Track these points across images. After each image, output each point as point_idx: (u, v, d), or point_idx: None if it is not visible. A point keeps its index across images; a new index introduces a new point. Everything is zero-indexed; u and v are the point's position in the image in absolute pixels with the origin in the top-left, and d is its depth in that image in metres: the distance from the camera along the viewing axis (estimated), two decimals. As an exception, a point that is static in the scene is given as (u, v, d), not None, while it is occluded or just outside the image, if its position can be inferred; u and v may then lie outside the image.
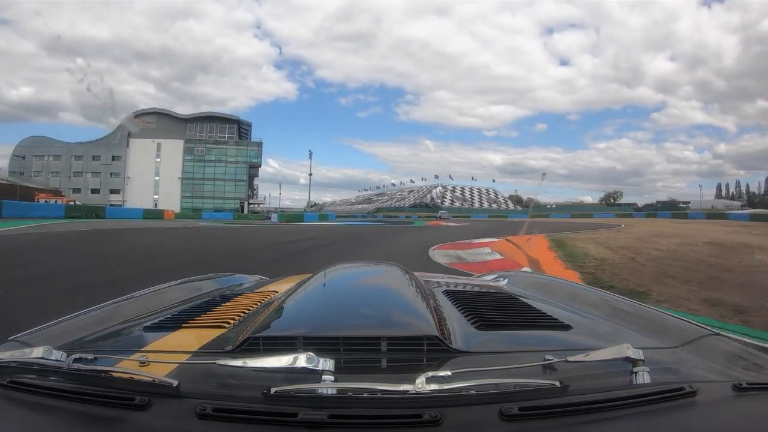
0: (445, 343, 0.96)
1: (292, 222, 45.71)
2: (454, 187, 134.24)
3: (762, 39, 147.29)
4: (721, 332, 1.16)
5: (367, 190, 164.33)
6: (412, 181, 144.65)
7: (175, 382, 0.76)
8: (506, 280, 1.98)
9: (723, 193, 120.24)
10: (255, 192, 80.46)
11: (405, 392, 0.72)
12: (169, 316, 1.32)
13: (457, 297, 1.41)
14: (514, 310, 1.27)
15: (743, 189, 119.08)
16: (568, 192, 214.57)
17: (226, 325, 1.17)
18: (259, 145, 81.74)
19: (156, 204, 66.63)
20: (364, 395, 0.73)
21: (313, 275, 1.62)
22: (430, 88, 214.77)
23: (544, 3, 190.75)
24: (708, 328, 1.18)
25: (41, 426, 0.75)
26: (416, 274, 1.68)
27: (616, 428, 0.70)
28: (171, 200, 68.56)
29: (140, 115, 74.92)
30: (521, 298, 1.45)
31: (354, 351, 0.95)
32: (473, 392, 0.73)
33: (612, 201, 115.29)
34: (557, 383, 0.74)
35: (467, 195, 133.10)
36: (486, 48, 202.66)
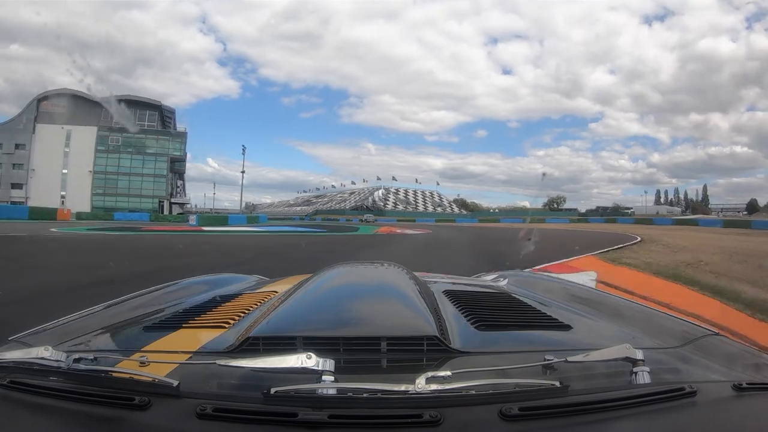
0: (445, 344, 0.96)
1: (213, 226, 37.45)
2: (397, 190, 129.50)
3: (698, 58, 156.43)
4: (721, 332, 1.16)
5: (306, 192, 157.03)
6: (353, 183, 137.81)
7: (175, 382, 0.76)
8: (506, 280, 1.96)
9: (662, 199, 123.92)
10: (179, 190, 67.79)
11: (405, 392, 0.72)
12: (169, 316, 1.31)
13: (457, 297, 1.40)
14: (514, 310, 1.27)
15: (681, 196, 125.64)
16: (507, 197, 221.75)
17: (226, 325, 1.16)
18: (183, 135, 69.30)
19: (63, 202, 55.10)
20: (364, 395, 0.73)
21: (313, 275, 1.62)
22: (375, 92, 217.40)
23: (491, 13, 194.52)
24: (708, 328, 1.18)
25: (41, 426, 0.75)
26: (416, 273, 1.68)
27: (617, 428, 0.70)
28: (81, 198, 58.41)
29: (48, 97, 61.24)
30: (521, 298, 1.45)
31: (354, 351, 0.95)
32: (473, 392, 0.73)
33: (556, 206, 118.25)
34: (557, 383, 0.74)
35: (411, 198, 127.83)
36: (432, 54, 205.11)
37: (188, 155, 70.79)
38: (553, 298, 1.56)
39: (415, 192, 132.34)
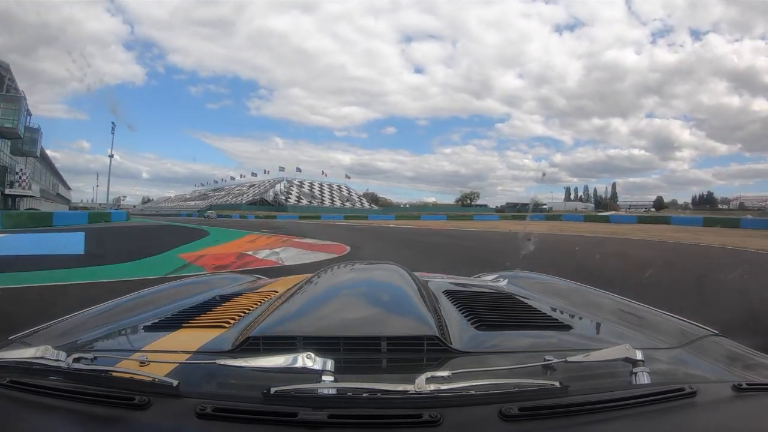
0: (445, 344, 0.97)
1: (20, 229, 22.37)
2: (301, 182, 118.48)
3: (603, 67, 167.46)
4: (720, 333, 1.17)
5: (203, 185, 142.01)
6: (254, 175, 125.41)
7: (175, 382, 0.76)
8: (506, 281, 1.95)
9: (572, 196, 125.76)
10: (20, 176, 51.83)
11: (405, 392, 0.72)
12: (169, 316, 1.31)
13: (458, 297, 1.40)
14: (514, 310, 1.27)
15: (591, 192, 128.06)
16: (414, 193, 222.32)
17: (226, 325, 1.17)
18: (18, 100, 51.30)
19: None
20: (364, 395, 0.73)
21: (313, 275, 1.62)
22: (285, 85, 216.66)
23: (408, 12, 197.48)
24: (708, 329, 1.18)
25: (41, 425, 0.75)
26: (416, 274, 1.67)
27: (616, 428, 0.70)
28: None
29: None
30: (521, 299, 1.45)
31: (354, 351, 0.96)
32: (473, 392, 0.73)
33: (469, 202, 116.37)
34: (557, 383, 0.74)
35: (317, 191, 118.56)
36: (345, 49, 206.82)
37: (40, 131, 54.50)
38: (552, 298, 1.56)
39: (321, 185, 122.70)
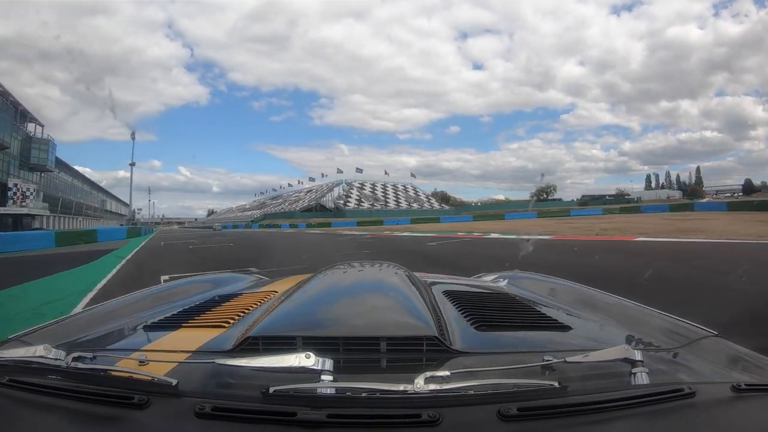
0: (445, 344, 0.96)
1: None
2: (362, 184, 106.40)
3: (666, 45, 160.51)
4: (720, 334, 1.16)
5: (263, 194, 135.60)
6: (311, 180, 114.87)
7: (174, 381, 0.76)
8: (506, 281, 1.94)
9: (653, 184, 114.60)
10: (14, 193, 44.53)
11: (404, 392, 0.72)
12: (169, 315, 1.31)
13: (457, 297, 1.39)
14: (513, 310, 1.26)
15: (673, 179, 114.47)
16: (482, 191, 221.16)
17: (226, 325, 1.16)
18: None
19: None
20: (363, 395, 0.73)
21: (313, 275, 1.62)
22: (345, 92, 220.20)
23: (460, 8, 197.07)
24: (707, 329, 1.18)
25: (41, 424, 0.75)
26: (416, 274, 1.67)
27: (615, 429, 0.70)
28: None
29: None
30: (521, 299, 1.44)
31: (353, 351, 0.95)
32: (472, 392, 0.73)
33: (545, 196, 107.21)
34: (556, 384, 0.74)
35: (379, 193, 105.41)
36: (401, 51, 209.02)
37: (52, 143, 51.55)
38: (552, 298, 1.56)
39: (384, 186, 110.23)
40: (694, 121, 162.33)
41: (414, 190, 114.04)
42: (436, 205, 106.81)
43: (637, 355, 0.81)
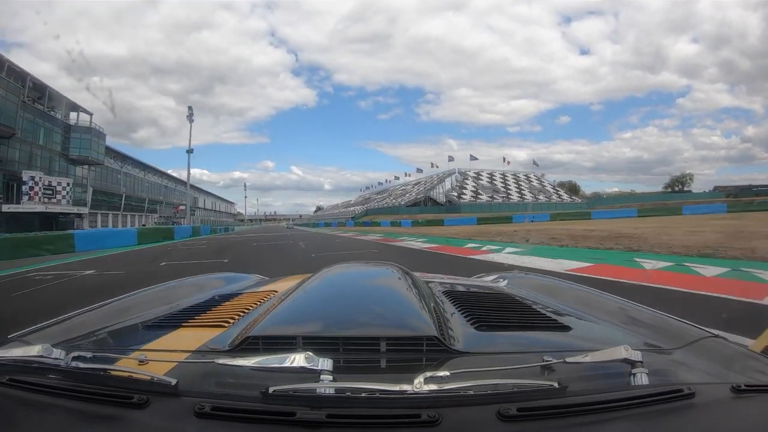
0: (445, 344, 0.97)
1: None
2: (478, 173, 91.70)
3: None
4: (719, 335, 1.16)
5: (369, 188, 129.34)
6: (419, 171, 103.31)
7: (174, 381, 0.76)
8: (506, 281, 1.94)
9: None
10: (30, 188, 37.11)
11: (403, 392, 0.72)
12: (169, 315, 1.32)
13: (457, 297, 1.40)
14: (513, 311, 1.27)
15: None
16: (595, 185, 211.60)
17: (226, 325, 1.17)
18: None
19: None
20: (363, 395, 0.73)
21: (313, 275, 1.61)
22: (450, 86, 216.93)
23: None
24: (707, 330, 1.18)
25: (40, 424, 0.75)
26: (416, 274, 1.67)
27: (615, 429, 0.70)
28: None
29: None
30: (521, 299, 1.44)
31: (353, 351, 0.96)
32: (471, 393, 0.73)
33: (680, 187, 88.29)
34: (556, 384, 0.74)
35: (499, 183, 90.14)
36: (504, 41, 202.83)
37: (97, 132, 46.20)
38: (552, 299, 1.55)
39: (504, 176, 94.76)
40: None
41: (538, 180, 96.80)
42: (565, 197, 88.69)
43: (637, 356, 0.81)
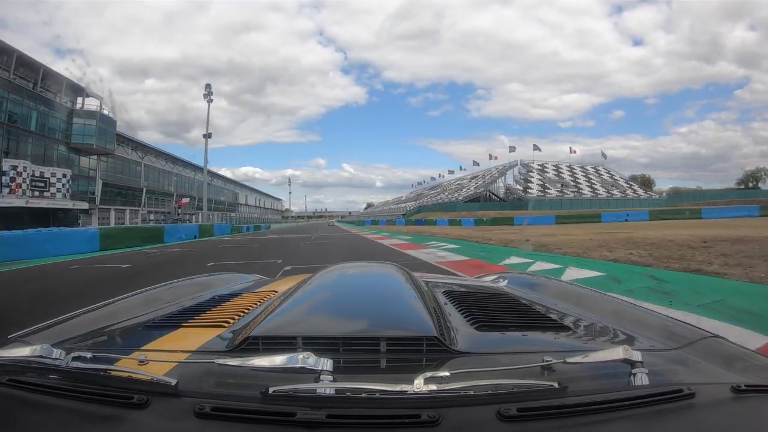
0: (445, 344, 0.96)
1: None
2: (543, 165, 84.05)
3: None
4: (719, 335, 1.16)
5: (421, 184, 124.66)
6: (475, 164, 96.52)
7: (174, 381, 0.76)
8: (506, 281, 1.93)
9: None
10: (12, 179, 33.16)
11: (403, 392, 0.72)
12: (169, 315, 1.32)
13: (457, 297, 1.40)
14: (513, 311, 1.27)
15: None
16: (659, 182, 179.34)
17: (226, 325, 1.17)
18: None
19: None
20: (363, 395, 0.73)
21: (313, 275, 1.62)
22: (501, 81, 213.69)
23: None
24: (707, 330, 1.18)
25: (40, 424, 0.75)
26: (416, 274, 1.67)
27: (615, 429, 0.70)
28: None
29: None
30: (521, 299, 1.44)
31: (353, 351, 0.96)
32: (472, 393, 0.73)
33: (754, 183, 78.08)
34: (556, 384, 0.74)
35: (567, 176, 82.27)
36: (554, 34, 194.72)
37: (104, 113, 42.01)
38: (552, 299, 1.55)
39: (571, 168, 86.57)
40: None
41: (608, 173, 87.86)
42: (640, 192, 79.55)
43: (637, 356, 0.81)
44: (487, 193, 73.42)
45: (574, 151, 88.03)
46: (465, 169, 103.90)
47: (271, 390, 0.71)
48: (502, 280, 1.97)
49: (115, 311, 1.43)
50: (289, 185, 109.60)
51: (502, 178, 78.63)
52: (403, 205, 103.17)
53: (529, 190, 72.48)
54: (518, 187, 72.60)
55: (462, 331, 1.08)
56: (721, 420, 0.74)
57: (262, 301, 1.40)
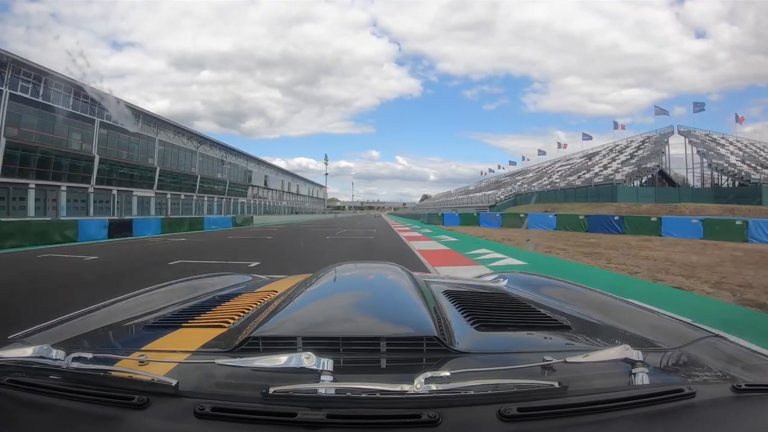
0: (445, 344, 0.96)
1: None
2: (708, 135, 59.51)
3: None
4: (720, 334, 1.16)
5: (493, 171, 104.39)
6: (586, 138, 72.16)
7: (174, 382, 0.76)
8: (506, 281, 1.94)
9: None
10: None
11: (404, 392, 0.72)
12: (169, 315, 1.32)
13: (457, 297, 1.40)
14: (513, 310, 1.26)
15: None
16: None
17: (226, 325, 1.17)
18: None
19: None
20: (363, 395, 0.73)
21: (313, 275, 1.62)
22: (558, 75, 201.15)
23: None
24: (708, 329, 1.18)
25: (40, 425, 0.75)
26: (416, 274, 1.67)
27: (615, 429, 0.70)
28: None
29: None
30: (521, 299, 1.44)
31: (353, 351, 0.96)
32: (472, 393, 0.73)
33: None
34: (556, 384, 0.74)
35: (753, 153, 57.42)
36: (613, 25, 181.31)
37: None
38: (553, 298, 1.55)
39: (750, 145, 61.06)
40: None
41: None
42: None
43: (637, 355, 0.81)
44: (654, 175, 50.03)
45: (741, 119, 63.52)
46: (528, 159, 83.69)
47: (271, 390, 0.71)
48: (502, 279, 1.95)
49: (115, 311, 1.41)
50: (326, 175, 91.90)
51: (656, 150, 54.93)
52: (478, 194, 78.87)
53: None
54: (744, 166, 48.03)
55: (462, 331, 1.07)
56: (721, 419, 0.74)
57: (262, 301, 1.39)
